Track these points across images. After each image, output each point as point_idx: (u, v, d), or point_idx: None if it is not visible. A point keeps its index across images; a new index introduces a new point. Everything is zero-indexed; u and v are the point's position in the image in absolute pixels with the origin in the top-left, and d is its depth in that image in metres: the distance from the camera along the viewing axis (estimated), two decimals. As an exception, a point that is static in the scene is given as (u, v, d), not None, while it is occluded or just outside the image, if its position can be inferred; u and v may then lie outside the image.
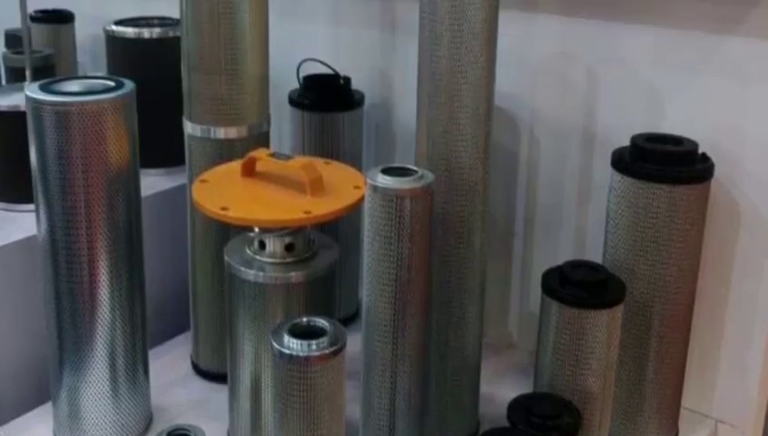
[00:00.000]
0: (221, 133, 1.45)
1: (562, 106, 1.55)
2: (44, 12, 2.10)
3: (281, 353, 1.08)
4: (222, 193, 1.31)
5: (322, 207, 1.26)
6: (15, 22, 1.78)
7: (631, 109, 1.47)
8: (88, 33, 2.20)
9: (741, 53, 1.36)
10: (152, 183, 1.73)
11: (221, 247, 1.36)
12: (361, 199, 1.25)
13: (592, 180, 1.55)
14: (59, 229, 1.29)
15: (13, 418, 1.48)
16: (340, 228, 1.63)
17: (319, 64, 1.63)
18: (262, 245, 1.30)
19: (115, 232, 1.31)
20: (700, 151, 1.32)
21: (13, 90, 1.67)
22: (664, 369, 1.40)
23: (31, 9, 1.85)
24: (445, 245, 1.34)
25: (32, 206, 1.34)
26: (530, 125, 1.59)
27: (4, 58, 1.99)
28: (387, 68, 1.74)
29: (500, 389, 1.52)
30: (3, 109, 1.57)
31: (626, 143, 1.35)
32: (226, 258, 1.31)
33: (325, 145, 1.60)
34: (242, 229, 1.35)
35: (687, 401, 1.50)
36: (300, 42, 1.79)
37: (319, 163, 1.39)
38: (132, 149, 1.33)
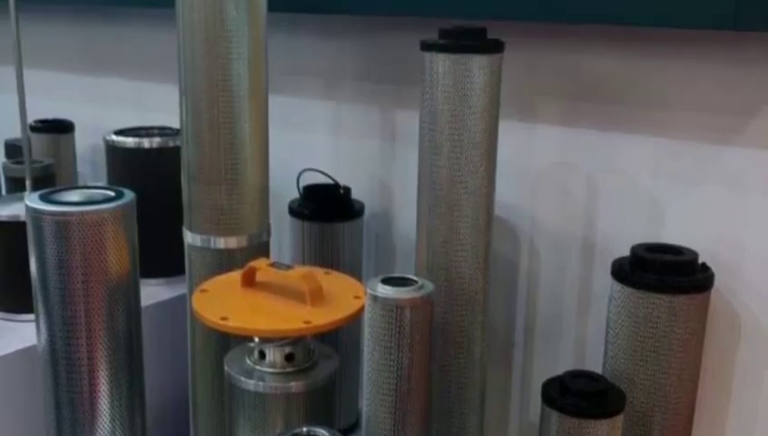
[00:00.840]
0: (221, 242, 1.45)
1: (562, 216, 1.55)
2: (44, 122, 2.11)
3: (282, 464, 1.07)
4: (222, 302, 1.31)
5: (322, 317, 1.25)
6: (15, 132, 1.80)
7: (631, 219, 1.48)
8: (88, 143, 2.21)
9: (740, 163, 1.37)
10: (153, 292, 1.72)
11: (221, 357, 1.35)
12: (361, 309, 1.25)
13: (592, 289, 1.55)
14: (59, 339, 1.29)
15: None
16: (340, 338, 1.62)
17: (319, 174, 1.64)
18: (262, 355, 1.29)
19: (115, 342, 1.31)
20: (700, 261, 1.32)
21: (13, 200, 1.67)
22: (666, 479, 1.38)
23: (31, 119, 1.86)
24: (445, 355, 1.33)
25: (32, 316, 1.34)
26: (530, 235, 1.60)
27: (5, 168, 2.00)
28: (387, 178, 1.75)
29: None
30: (3, 219, 1.57)
31: (626, 252, 1.35)
32: (226, 368, 1.30)
33: (325, 255, 1.60)
34: (242, 339, 1.34)
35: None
36: (300, 151, 1.80)
37: (319, 272, 1.38)
38: (132, 259, 1.33)
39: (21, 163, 1.77)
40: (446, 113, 1.25)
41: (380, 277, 1.21)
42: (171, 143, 1.77)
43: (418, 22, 1.52)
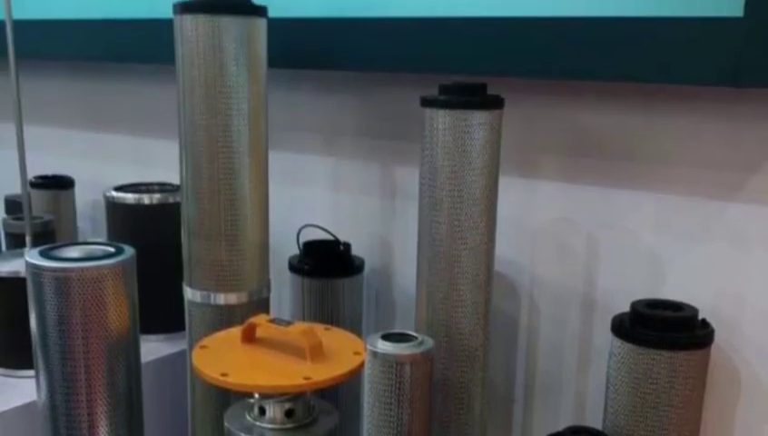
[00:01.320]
0: (221, 298, 1.45)
1: (562, 272, 1.55)
2: (43, 178, 2.11)
3: None
4: (222, 358, 1.31)
5: (322, 373, 1.25)
6: (15, 187, 1.80)
7: (631, 275, 1.48)
8: (88, 199, 2.22)
9: (741, 219, 1.37)
10: (153, 348, 1.71)
11: (221, 413, 1.35)
12: (361, 365, 1.25)
13: (592, 345, 1.54)
14: (59, 395, 1.28)
15: None
16: (340, 394, 1.61)
17: (319, 230, 1.64)
18: (262, 411, 1.29)
19: (115, 398, 1.31)
20: (700, 317, 1.32)
21: (13, 256, 1.67)
22: None
23: (31, 175, 1.86)
24: (445, 411, 1.33)
25: (32, 372, 1.33)
26: (530, 291, 1.60)
27: (5, 224, 2.00)
28: (387, 234, 1.76)
29: None
30: (3, 275, 1.57)
31: (627, 308, 1.35)
32: (226, 424, 1.30)
33: (325, 311, 1.60)
34: (242, 395, 1.34)
35: None
36: (299, 207, 1.80)
37: (318, 328, 1.38)
38: (132, 315, 1.33)
39: (21, 218, 1.78)
40: (446, 170, 1.26)
41: (380, 333, 1.21)
42: (171, 199, 1.77)
43: (418, 78, 1.54)
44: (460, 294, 1.29)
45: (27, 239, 1.64)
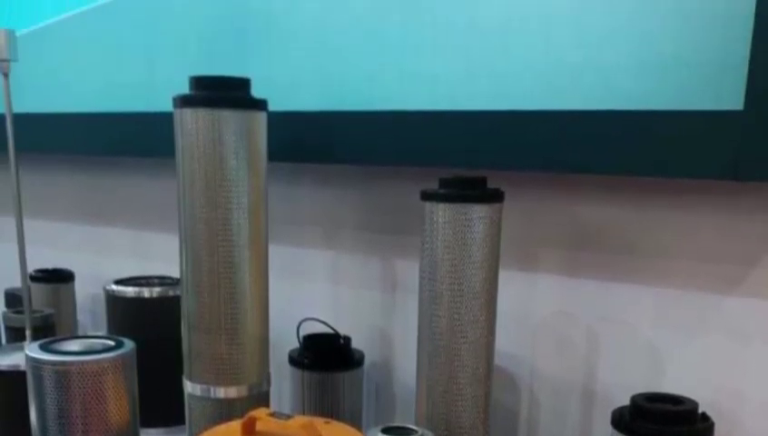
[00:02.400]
0: (221, 392, 1.45)
1: (562, 365, 1.55)
2: (43, 271, 2.12)
3: None
4: (222, 452, 1.30)
5: (323, 467, 1.25)
6: (15, 281, 1.80)
7: (631, 368, 1.48)
8: (88, 292, 2.22)
9: (740, 312, 1.37)
10: (152, 442, 1.71)
11: (219, 508, 1.34)
12: (362, 459, 1.24)
13: (592, 439, 1.54)
14: (59, 488, 1.28)
15: None
16: (340, 488, 1.61)
17: (319, 323, 1.64)
18: (262, 505, 1.28)
19: (115, 492, 1.30)
20: (700, 410, 1.32)
21: (13, 349, 1.67)
22: None
23: (31, 268, 1.87)
24: (446, 506, 1.32)
25: (31, 465, 1.33)
26: (530, 384, 1.59)
27: (5, 317, 1.99)
28: (387, 327, 1.75)
29: None
30: (3, 368, 1.57)
31: (627, 401, 1.34)
32: None
33: (325, 404, 1.59)
34: (241, 489, 1.33)
35: None
36: (299, 300, 1.80)
37: (319, 422, 1.37)
38: (132, 408, 1.33)
39: (21, 312, 1.78)
40: (446, 263, 1.26)
41: (381, 426, 1.21)
42: (171, 293, 1.77)
43: (418, 171, 1.54)
44: (460, 388, 1.29)
45: (27, 332, 1.65)
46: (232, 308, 1.43)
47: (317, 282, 1.85)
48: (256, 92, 1.45)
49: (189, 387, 1.48)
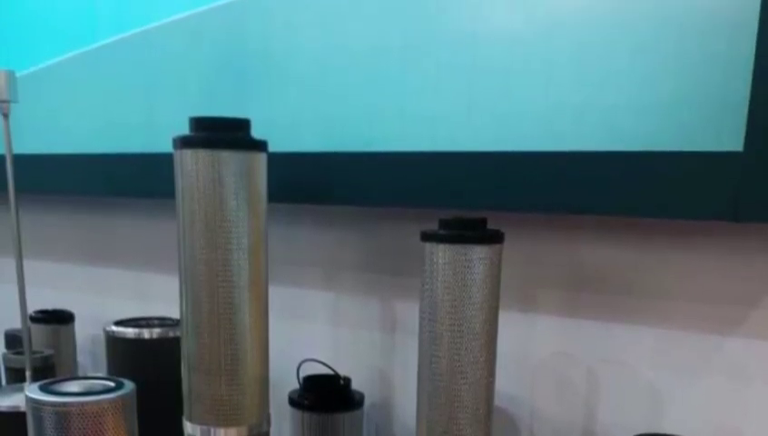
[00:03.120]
0: (221, 433, 1.44)
1: (562, 406, 1.55)
2: (43, 312, 2.12)
3: None
4: (222, 494, 1.30)
5: (323, 509, 1.24)
6: (15, 322, 1.80)
7: (631, 409, 1.47)
8: (88, 333, 2.22)
9: (741, 353, 1.37)
10: (152, 484, 1.70)
11: None
12: (362, 500, 1.24)
13: (593, 480, 1.54)
14: None
15: None
16: None
17: (319, 364, 1.64)
18: None
19: None
20: (701, 451, 1.32)
21: (13, 390, 1.67)
22: None
23: (31, 310, 1.87)
24: None
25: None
26: (530, 425, 1.59)
27: (5, 359, 1.99)
28: (386, 368, 1.75)
29: None
30: (3, 409, 1.56)
31: (627, 443, 1.34)
32: None
33: (325, 446, 1.59)
34: None
35: None
36: (299, 342, 1.80)
37: (319, 463, 1.38)
38: (131, 450, 1.32)
39: (21, 353, 1.78)
40: (446, 304, 1.26)
41: (381, 468, 1.21)
42: (171, 334, 1.77)
43: (418, 212, 1.55)
44: (460, 429, 1.29)
45: (27, 373, 1.64)
46: (232, 349, 1.43)
47: (317, 322, 1.85)
48: (256, 133, 1.45)
49: (189, 428, 1.47)
